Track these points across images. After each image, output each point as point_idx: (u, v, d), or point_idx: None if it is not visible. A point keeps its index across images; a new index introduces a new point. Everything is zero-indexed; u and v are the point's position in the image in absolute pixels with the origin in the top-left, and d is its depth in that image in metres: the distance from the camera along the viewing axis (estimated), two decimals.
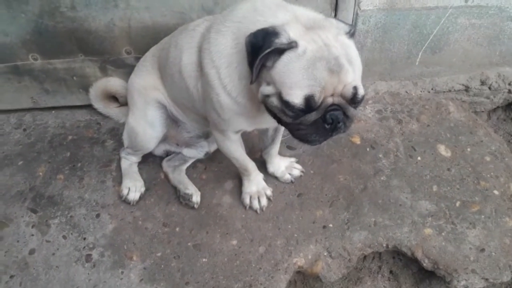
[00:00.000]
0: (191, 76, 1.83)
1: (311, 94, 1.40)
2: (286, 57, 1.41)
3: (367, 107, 2.81)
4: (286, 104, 1.43)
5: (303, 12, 1.55)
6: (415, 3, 2.53)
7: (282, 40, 1.39)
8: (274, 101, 1.48)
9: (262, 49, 1.39)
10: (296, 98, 1.41)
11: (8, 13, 2.28)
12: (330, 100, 1.44)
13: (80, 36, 2.41)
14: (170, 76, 1.99)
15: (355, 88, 1.44)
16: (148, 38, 2.41)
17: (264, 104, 1.55)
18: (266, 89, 1.49)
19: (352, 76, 1.43)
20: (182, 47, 1.84)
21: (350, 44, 1.50)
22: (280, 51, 1.41)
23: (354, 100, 1.47)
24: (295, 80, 1.41)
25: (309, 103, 1.41)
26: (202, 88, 1.81)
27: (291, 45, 1.40)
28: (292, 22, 1.47)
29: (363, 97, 1.49)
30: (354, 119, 1.56)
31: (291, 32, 1.42)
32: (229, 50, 1.60)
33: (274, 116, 1.57)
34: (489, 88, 2.91)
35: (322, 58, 1.39)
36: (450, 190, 2.32)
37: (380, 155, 2.49)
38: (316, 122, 1.47)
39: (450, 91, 2.93)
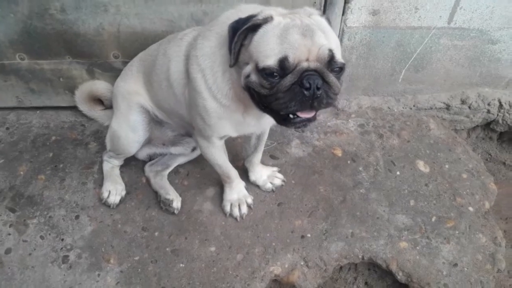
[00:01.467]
0: (180, 84, 1.87)
1: (285, 55, 1.42)
2: (262, 29, 1.49)
3: (349, 120, 2.86)
4: (262, 72, 1.45)
5: (282, 9, 1.62)
6: (399, 22, 2.61)
7: (258, 17, 1.49)
8: (253, 76, 1.50)
9: (240, 28, 1.47)
10: (270, 61, 1.44)
11: None
12: (305, 65, 1.43)
13: (68, 39, 2.43)
14: (157, 83, 2.02)
15: (330, 50, 1.45)
16: (136, 44, 2.43)
17: (246, 88, 1.56)
18: (246, 69, 1.52)
19: (326, 41, 1.46)
20: (170, 56, 1.89)
21: (322, 20, 1.56)
22: (257, 27, 1.48)
23: (331, 64, 1.47)
24: (269, 47, 1.45)
25: (283, 64, 1.43)
26: (188, 95, 1.84)
27: (266, 20, 1.48)
28: (271, 11, 1.54)
29: (342, 64, 1.50)
30: (337, 88, 1.50)
31: (268, 12, 1.51)
32: (213, 49, 1.66)
33: (254, 98, 1.57)
34: (469, 107, 2.99)
35: (295, 26, 1.46)
36: (427, 205, 2.37)
37: (360, 168, 2.54)
38: (293, 88, 1.44)
39: (431, 108, 3.00)
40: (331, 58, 1.46)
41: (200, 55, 1.69)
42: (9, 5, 2.27)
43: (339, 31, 2.60)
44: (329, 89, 1.47)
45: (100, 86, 2.57)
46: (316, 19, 1.54)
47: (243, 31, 1.48)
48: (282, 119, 1.55)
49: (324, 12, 2.45)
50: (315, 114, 1.54)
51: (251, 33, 1.49)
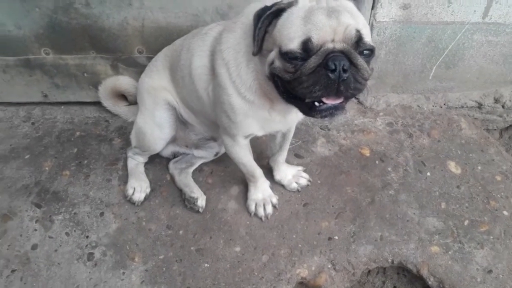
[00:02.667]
0: (201, 79, 1.83)
1: (308, 37, 1.35)
2: (286, 13, 1.44)
3: (377, 119, 2.78)
4: (285, 56, 1.39)
5: None
6: (431, 17, 2.51)
7: (283, 1, 1.44)
8: (276, 62, 1.44)
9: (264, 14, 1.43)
10: (293, 44, 1.37)
11: (22, 7, 2.28)
12: (330, 46, 1.35)
13: (93, 33, 2.41)
14: (181, 79, 1.98)
15: (357, 31, 1.37)
16: (161, 39, 2.40)
17: (270, 76, 1.51)
18: (270, 56, 1.47)
19: (353, 21, 1.38)
20: (193, 50, 1.84)
21: (349, 3, 1.49)
22: (281, 11, 1.44)
23: (359, 45, 1.38)
24: (293, 29, 1.39)
25: (306, 46, 1.35)
26: (213, 92, 1.80)
27: (291, 4, 1.43)
28: None
29: (372, 46, 1.41)
30: (366, 73, 1.40)
31: None
32: (238, 40, 1.62)
33: (278, 87, 1.51)
34: (503, 106, 2.87)
35: (320, 8, 1.40)
36: (459, 208, 2.29)
37: (389, 169, 2.46)
38: (318, 71, 1.35)
39: (462, 107, 2.89)
40: (359, 39, 1.37)
41: (225, 48, 1.65)
42: None
43: (368, 26, 2.51)
44: (357, 73, 1.37)
45: (123, 81, 2.54)
46: (343, 2, 1.47)
47: (267, 16, 1.43)
48: (308, 108, 1.46)
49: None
50: (343, 101, 1.43)
51: (276, 19, 1.45)
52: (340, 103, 1.43)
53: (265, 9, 1.46)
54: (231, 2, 2.29)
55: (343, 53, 1.35)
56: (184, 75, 1.92)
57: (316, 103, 1.42)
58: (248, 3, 2.23)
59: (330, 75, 1.33)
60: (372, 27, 2.52)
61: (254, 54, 1.50)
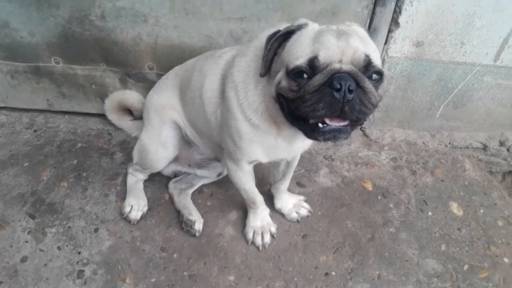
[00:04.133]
0: (211, 102, 1.82)
1: (315, 54, 1.34)
2: (295, 35, 1.45)
3: (382, 153, 2.76)
4: (290, 73, 1.37)
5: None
6: (443, 56, 2.51)
7: (293, 24, 1.46)
8: (283, 82, 1.42)
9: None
10: (300, 61, 1.35)
11: (38, 15, 2.28)
12: (337, 66, 1.32)
13: (105, 46, 2.40)
14: (190, 100, 1.96)
15: (367, 55, 1.34)
16: (172, 57, 2.40)
17: (276, 97, 1.48)
18: (277, 77, 1.46)
19: (363, 46, 1.36)
20: (206, 73, 1.84)
21: (360, 28, 1.49)
22: (291, 33, 1.45)
23: (368, 69, 1.35)
24: (301, 49, 1.38)
25: (312, 63, 1.33)
26: (221, 115, 1.79)
27: (300, 26, 1.45)
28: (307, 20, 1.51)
29: (381, 70, 1.38)
30: (373, 97, 1.35)
31: (303, 20, 1.48)
32: (249, 63, 1.61)
33: (284, 109, 1.47)
34: (508, 149, 2.86)
35: (330, 29, 1.40)
36: (459, 252, 2.24)
37: (391, 205, 2.43)
38: (322, 89, 1.31)
39: (467, 147, 2.88)
40: (368, 63, 1.34)
41: (236, 71, 1.64)
42: (50, 8, 2.25)
43: (378, 52, 2.51)
44: (363, 96, 1.33)
45: (130, 96, 2.53)
46: (354, 27, 1.47)
47: (277, 38, 1.44)
48: (311, 130, 1.40)
49: None
50: (348, 125, 1.37)
51: (285, 42, 1.46)
52: (345, 126, 1.37)
53: (277, 32, 1.47)
54: (246, 26, 2.29)
55: (350, 75, 1.31)
56: (195, 96, 1.91)
57: (320, 125, 1.37)
58: (261, 28, 2.25)
59: (335, 94, 1.29)
60: (383, 62, 2.52)
61: (262, 75, 1.49)
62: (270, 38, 1.46)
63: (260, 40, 1.59)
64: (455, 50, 2.50)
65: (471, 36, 2.43)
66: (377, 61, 1.39)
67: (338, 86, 1.28)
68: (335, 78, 1.29)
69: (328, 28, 1.42)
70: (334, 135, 1.37)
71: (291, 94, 1.40)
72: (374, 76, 1.38)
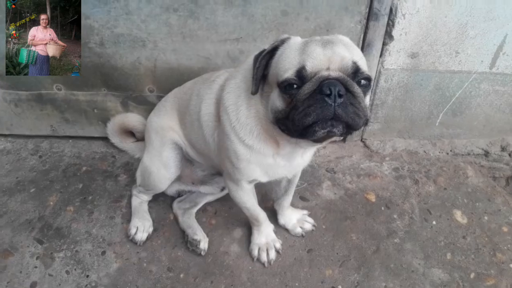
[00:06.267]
0: (209, 125, 1.85)
1: (302, 65, 1.37)
2: (280, 50, 1.49)
3: (384, 163, 2.77)
4: (281, 86, 1.41)
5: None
6: (439, 65, 2.54)
7: (276, 40, 1.52)
8: (276, 101, 1.45)
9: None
10: (288, 73, 1.39)
11: None
12: (325, 73, 1.36)
13: (105, 72, 2.45)
14: (189, 123, 2.00)
15: (354, 62, 1.38)
16: (172, 79, 2.44)
17: (275, 121, 1.49)
18: (271, 98, 1.49)
19: (349, 53, 1.39)
20: (202, 97, 1.88)
21: (345, 37, 1.52)
22: (275, 50, 1.50)
23: (357, 75, 1.38)
24: (288, 61, 1.42)
25: (300, 73, 1.37)
26: (218, 138, 1.82)
27: (283, 41, 1.49)
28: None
29: (369, 76, 1.41)
30: (362, 102, 1.39)
31: (285, 35, 1.53)
32: (238, 84, 1.65)
33: (279, 121, 1.47)
34: (509, 154, 2.87)
35: (315, 40, 1.44)
36: (465, 260, 2.24)
37: (395, 216, 2.44)
38: (313, 96, 1.34)
39: (469, 154, 2.89)
40: (356, 70, 1.38)
41: (226, 93, 1.68)
42: None
43: (376, 72, 2.55)
44: (353, 99, 1.36)
45: (132, 118, 2.58)
46: (339, 36, 1.52)
47: (264, 56, 1.49)
48: (299, 124, 1.38)
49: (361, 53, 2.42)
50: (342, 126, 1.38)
51: (271, 59, 1.50)
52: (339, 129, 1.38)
53: (263, 51, 1.52)
54: (242, 47, 2.34)
55: (339, 81, 1.34)
56: (193, 120, 1.95)
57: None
58: (257, 47, 2.29)
59: (326, 99, 1.32)
60: (379, 74, 2.55)
61: (253, 92, 1.52)
62: (257, 57, 1.51)
63: (248, 62, 1.64)
64: (450, 60, 2.53)
65: (465, 45, 2.46)
66: (364, 67, 1.43)
67: (328, 92, 1.32)
68: (324, 85, 1.32)
69: (313, 39, 1.47)
70: (330, 131, 1.37)
71: (284, 106, 1.42)
72: (363, 82, 1.41)
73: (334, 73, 1.36)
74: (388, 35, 2.39)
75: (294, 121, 1.38)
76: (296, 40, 1.49)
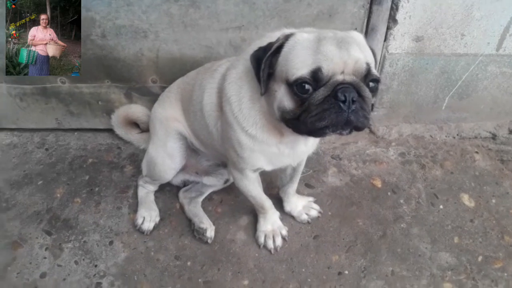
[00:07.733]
0: (211, 115, 1.85)
1: (318, 66, 1.34)
2: (286, 47, 1.43)
3: (390, 149, 2.76)
4: (292, 86, 1.38)
5: (310, 29, 1.56)
6: (444, 49, 2.51)
7: (278, 40, 1.45)
8: (285, 100, 1.43)
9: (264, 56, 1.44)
10: (302, 71, 1.36)
11: None
12: (340, 78, 1.35)
13: (108, 63, 2.45)
14: (192, 113, 2.00)
15: (367, 64, 1.37)
16: (174, 69, 2.44)
17: (281, 119, 1.49)
18: (277, 97, 1.46)
19: (362, 55, 1.38)
20: (204, 87, 1.87)
21: (358, 34, 1.50)
22: (280, 48, 1.44)
23: (367, 77, 1.38)
24: (300, 59, 1.38)
25: (316, 75, 1.34)
26: (221, 127, 1.82)
27: (287, 37, 1.44)
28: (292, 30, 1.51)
29: (378, 78, 1.42)
30: (370, 103, 1.42)
31: (287, 30, 1.49)
32: (240, 75, 1.63)
33: (287, 121, 1.47)
34: None
35: (328, 37, 1.39)
36: (472, 243, 2.23)
37: (401, 201, 2.43)
38: (327, 100, 1.34)
39: (476, 137, 2.86)
40: (368, 72, 1.38)
41: (227, 83, 1.67)
42: None
43: (380, 57, 2.52)
44: (364, 104, 1.38)
45: (136, 109, 2.58)
46: (351, 33, 1.49)
47: (268, 57, 1.43)
48: (312, 127, 1.41)
49: (365, 37, 2.39)
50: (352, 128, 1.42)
51: (276, 57, 1.45)
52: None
53: (260, 49, 1.47)
54: (244, 34, 2.32)
55: (352, 86, 1.35)
56: (196, 110, 1.94)
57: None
58: (259, 35, 2.27)
59: (341, 105, 1.34)
60: (384, 59, 2.53)
61: (262, 94, 1.50)
62: (256, 57, 1.47)
63: (249, 52, 1.59)
64: (456, 42, 2.49)
65: (471, 27, 2.42)
66: (374, 68, 1.43)
67: (343, 98, 1.33)
68: (339, 90, 1.33)
69: (325, 35, 1.41)
70: (340, 130, 1.41)
71: (297, 111, 1.41)
72: (371, 84, 1.42)
73: (348, 78, 1.36)
74: (392, 19, 2.36)
75: (306, 124, 1.40)
76: (304, 37, 1.43)
